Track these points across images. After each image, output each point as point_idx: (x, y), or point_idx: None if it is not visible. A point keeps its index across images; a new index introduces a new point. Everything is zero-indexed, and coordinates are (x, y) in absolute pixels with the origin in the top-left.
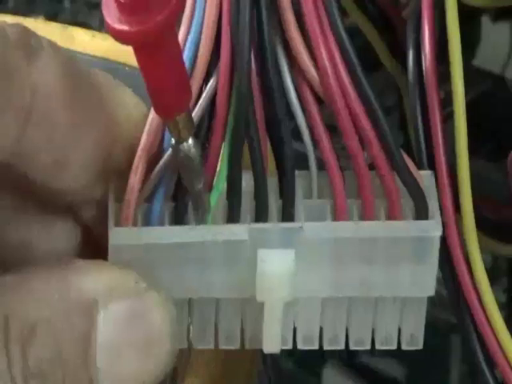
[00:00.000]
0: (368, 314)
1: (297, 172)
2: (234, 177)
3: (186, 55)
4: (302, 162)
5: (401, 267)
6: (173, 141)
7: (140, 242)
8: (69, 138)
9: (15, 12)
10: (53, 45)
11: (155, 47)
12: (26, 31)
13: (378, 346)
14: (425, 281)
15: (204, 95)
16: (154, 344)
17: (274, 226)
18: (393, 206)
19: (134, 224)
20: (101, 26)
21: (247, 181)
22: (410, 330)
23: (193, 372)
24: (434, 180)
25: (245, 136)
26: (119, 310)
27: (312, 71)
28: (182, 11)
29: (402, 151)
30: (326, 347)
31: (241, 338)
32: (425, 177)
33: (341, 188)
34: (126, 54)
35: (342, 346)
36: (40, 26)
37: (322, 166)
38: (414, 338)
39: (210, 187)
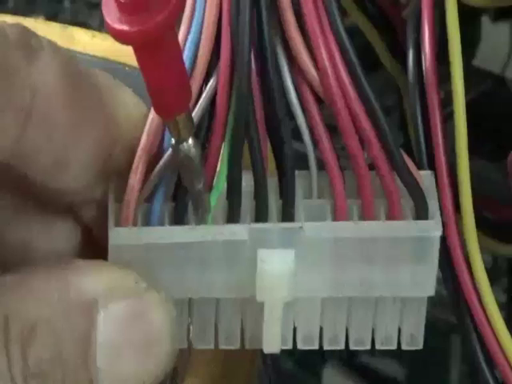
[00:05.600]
0: (368, 314)
1: (297, 172)
2: (234, 177)
3: (186, 55)
4: (302, 162)
5: (401, 267)
6: (173, 141)
7: (140, 242)
8: (69, 138)
9: (15, 12)
10: (53, 45)
11: (155, 47)
12: (26, 31)
13: (378, 346)
14: (425, 281)
15: (204, 95)
16: (154, 344)
17: (274, 226)
18: (393, 206)
19: (134, 224)
20: (101, 26)
21: (247, 181)
22: (410, 330)
23: (193, 372)
24: (433, 180)
25: (245, 136)
26: (119, 310)
27: (312, 71)
28: (182, 11)
29: (402, 151)
30: (326, 347)
31: (241, 338)
32: (425, 177)
33: (341, 188)
34: (126, 54)
35: (341, 346)
36: (40, 26)
37: (321, 166)
38: (414, 338)
39: (209, 187)
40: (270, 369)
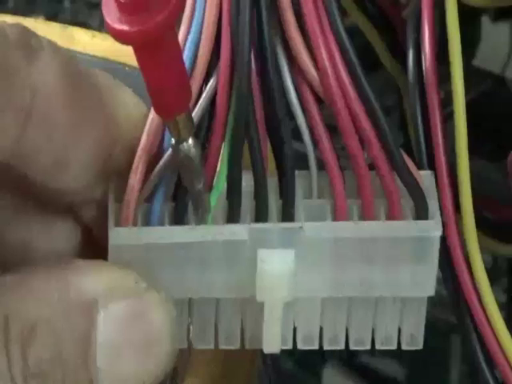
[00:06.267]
0: (368, 314)
1: (297, 172)
2: (234, 177)
3: (186, 55)
4: (302, 162)
5: (401, 267)
6: (173, 141)
7: (140, 242)
8: (69, 138)
9: (15, 12)
10: (53, 45)
11: (155, 47)
12: (26, 31)
13: (378, 346)
14: (425, 281)
15: (204, 95)
16: (154, 344)
17: (274, 226)
18: (393, 206)
19: (134, 224)
20: (101, 26)
21: (247, 181)
22: (410, 330)
23: (193, 372)
24: (433, 180)
25: (245, 136)
26: (119, 310)
27: (312, 71)
28: (182, 11)
29: (401, 151)
30: (326, 347)
31: (241, 338)
32: (425, 177)
33: (341, 188)
34: (126, 54)
35: (341, 346)
36: (40, 26)
37: (322, 166)
38: (414, 338)
39: (209, 187)
40: (270, 369)
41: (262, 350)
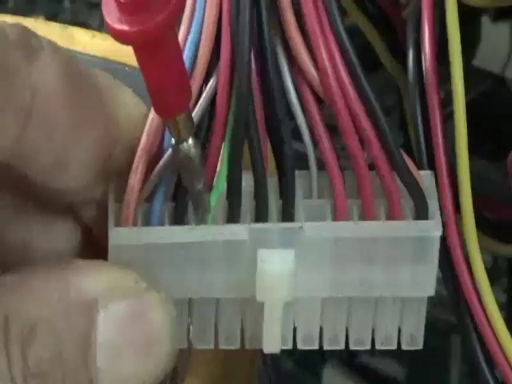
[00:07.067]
0: (368, 314)
1: (297, 172)
2: (234, 177)
3: (186, 55)
4: (302, 162)
5: (401, 267)
6: (173, 141)
7: (140, 242)
8: (69, 138)
9: (15, 12)
10: (53, 45)
11: (155, 47)
12: (26, 31)
13: (378, 346)
14: (425, 281)
15: (204, 95)
16: (154, 344)
17: (274, 226)
18: (393, 206)
19: (134, 224)
20: (101, 26)
21: (247, 181)
22: (410, 330)
23: (193, 372)
24: (433, 180)
25: (245, 136)
26: (119, 310)
27: (312, 71)
28: (182, 11)
29: (402, 151)
30: (326, 347)
31: (241, 338)
32: (425, 177)
33: (341, 188)
34: (126, 54)
35: (342, 346)
36: (40, 26)
37: (322, 166)
38: (414, 338)
39: (209, 187)
40: (270, 369)
41: (261, 350)
